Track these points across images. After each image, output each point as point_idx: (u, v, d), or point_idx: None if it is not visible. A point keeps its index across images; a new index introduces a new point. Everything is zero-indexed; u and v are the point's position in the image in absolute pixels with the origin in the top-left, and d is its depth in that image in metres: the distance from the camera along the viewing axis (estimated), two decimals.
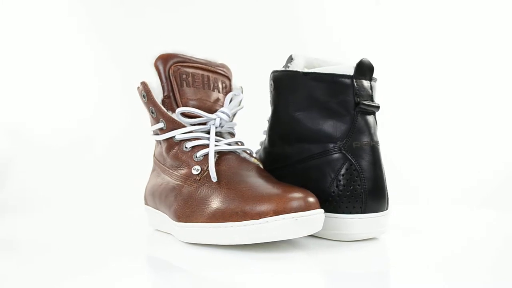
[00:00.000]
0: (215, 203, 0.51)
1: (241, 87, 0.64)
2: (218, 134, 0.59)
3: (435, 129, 1.04)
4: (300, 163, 0.57)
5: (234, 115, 0.62)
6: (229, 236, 0.50)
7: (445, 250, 0.52)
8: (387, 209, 0.55)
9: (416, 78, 1.07)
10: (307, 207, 0.49)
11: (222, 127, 0.58)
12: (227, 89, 0.62)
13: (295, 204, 0.48)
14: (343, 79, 0.55)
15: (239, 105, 0.62)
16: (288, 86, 0.58)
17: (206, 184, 0.54)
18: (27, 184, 0.92)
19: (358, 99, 0.55)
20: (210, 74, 0.60)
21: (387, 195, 0.55)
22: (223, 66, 0.63)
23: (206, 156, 0.55)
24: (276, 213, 0.48)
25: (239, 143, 0.59)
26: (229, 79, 0.63)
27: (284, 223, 0.48)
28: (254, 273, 0.45)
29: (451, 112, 1.05)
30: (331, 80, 0.55)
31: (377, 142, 0.55)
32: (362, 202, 0.54)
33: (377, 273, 0.45)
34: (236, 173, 0.54)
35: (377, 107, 0.56)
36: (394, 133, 0.99)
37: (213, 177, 0.53)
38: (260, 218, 0.48)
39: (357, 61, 0.55)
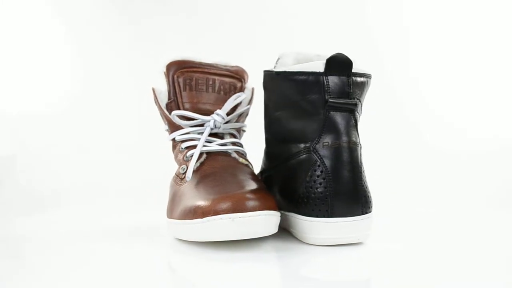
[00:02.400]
0: (184, 201, 0.54)
1: (253, 88, 0.65)
2: (220, 135, 0.61)
3: (430, 130, 1.03)
4: (282, 163, 0.57)
5: (241, 115, 0.64)
6: (186, 233, 0.53)
7: (423, 261, 0.49)
8: (363, 213, 0.52)
9: (414, 75, 1.07)
10: (248, 209, 0.49)
11: (217, 128, 0.60)
12: (237, 91, 0.63)
13: (235, 204, 0.49)
14: (311, 77, 0.53)
15: (247, 105, 0.64)
16: (269, 87, 0.58)
17: (186, 183, 0.56)
18: (30, 183, 0.93)
19: (328, 96, 0.52)
20: (216, 77, 0.62)
21: (364, 199, 0.52)
22: (236, 68, 0.64)
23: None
24: (216, 212, 0.49)
25: (237, 144, 0.61)
26: (241, 81, 0.64)
27: (221, 223, 0.49)
28: (203, 273, 0.46)
29: (446, 112, 1.05)
30: (300, 79, 0.53)
31: (350, 142, 0.52)
32: (328, 205, 0.51)
33: (334, 281, 0.44)
34: (213, 173, 0.55)
35: (352, 104, 0.53)
36: (388, 134, 1.00)
37: (188, 176, 0.56)
38: (204, 217, 0.50)
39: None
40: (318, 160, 0.52)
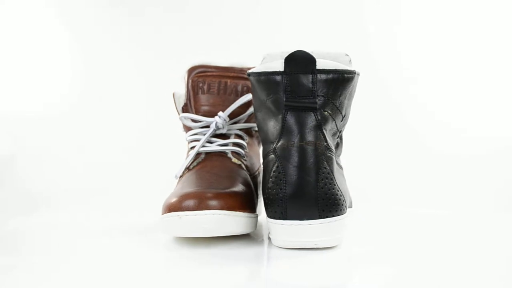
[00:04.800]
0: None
1: None
2: (227, 135, 0.63)
3: (428, 130, 1.03)
4: (262, 163, 0.56)
5: (251, 115, 0.65)
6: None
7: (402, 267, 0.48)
8: (321, 217, 0.49)
9: (413, 75, 1.06)
10: (197, 207, 0.51)
11: (220, 129, 0.62)
12: (251, 91, 0.64)
13: (186, 203, 0.51)
14: (272, 77, 0.52)
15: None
16: (252, 88, 0.57)
17: (179, 181, 0.60)
18: (31, 183, 0.92)
19: (286, 96, 0.51)
20: (229, 80, 0.65)
21: (323, 203, 0.49)
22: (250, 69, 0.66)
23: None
24: (170, 210, 0.52)
25: (237, 144, 0.63)
26: None
27: (172, 220, 0.52)
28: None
29: (445, 111, 1.04)
30: (263, 79, 0.53)
31: (308, 143, 0.50)
32: (283, 208, 0.50)
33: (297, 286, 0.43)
34: (197, 172, 0.58)
35: (312, 103, 0.51)
36: (386, 134, 1.00)
37: (176, 175, 0.60)
38: (164, 213, 0.53)
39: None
40: (277, 161, 0.51)
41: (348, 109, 0.57)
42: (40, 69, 1.08)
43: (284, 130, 0.51)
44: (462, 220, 0.72)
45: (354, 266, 0.49)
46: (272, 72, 0.52)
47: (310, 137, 0.51)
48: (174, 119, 0.68)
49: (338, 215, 0.50)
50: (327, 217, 0.50)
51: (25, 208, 0.81)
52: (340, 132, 0.56)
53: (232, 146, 0.62)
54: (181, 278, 0.45)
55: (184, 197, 0.52)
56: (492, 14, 1.04)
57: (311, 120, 0.51)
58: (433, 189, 0.88)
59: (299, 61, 0.51)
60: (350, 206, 0.62)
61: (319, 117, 0.51)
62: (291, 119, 0.51)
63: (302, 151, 0.50)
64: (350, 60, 0.58)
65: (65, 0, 1.11)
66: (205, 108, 0.64)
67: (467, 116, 1.03)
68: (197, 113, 0.64)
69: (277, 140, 0.52)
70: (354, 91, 0.56)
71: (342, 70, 0.52)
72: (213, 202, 0.51)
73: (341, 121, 0.55)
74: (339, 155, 0.58)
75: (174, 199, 0.52)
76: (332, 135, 0.54)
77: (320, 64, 0.51)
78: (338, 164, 0.56)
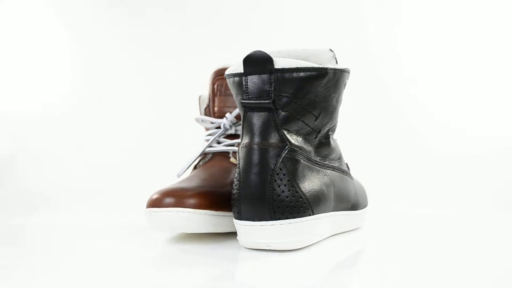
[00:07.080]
0: None
1: None
2: (237, 136, 0.64)
3: (427, 130, 1.03)
4: None
5: None
6: None
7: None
8: (272, 219, 0.48)
9: (413, 75, 1.06)
10: (167, 205, 0.52)
11: (228, 130, 0.63)
12: None
13: (158, 200, 0.53)
14: (235, 78, 0.52)
15: None
16: None
17: None
18: (30, 184, 0.93)
19: (245, 96, 0.51)
20: None
21: (276, 204, 0.48)
22: None
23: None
24: (148, 205, 0.54)
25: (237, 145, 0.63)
26: None
27: (146, 215, 0.55)
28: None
29: (444, 111, 1.04)
30: (231, 80, 0.53)
31: (262, 144, 0.50)
32: (239, 208, 0.50)
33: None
34: (197, 171, 0.60)
35: (267, 103, 0.50)
36: (386, 136, 1.00)
37: (177, 174, 0.62)
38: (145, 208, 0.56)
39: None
40: (238, 161, 0.51)
41: (330, 108, 0.54)
42: (40, 69, 1.08)
43: (244, 131, 0.52)
44: (462, 220, 0.72)
45: (354, 267, 0.49)
46: (234, 74, 0.52)
47: (266, 137, 0.50)
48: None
49: (294, 218, 0.49)
50: (279, 219, 0.49)
51: (25, 208, 0.81)
52: (319, 132, 0.54)
53: (237, 146, 0.62)
54: (174, 277, 0.45)
55: (160, 194, 0.54)
56: (492, 14, 1.04)
57: (267, 121, 0.50)
58: (433, 189, 0.88)
59: (256, 62, 0.50)
60: (356, 208, 0.61)
61: (277, 118, 0.50)
62: (249, 120, 0.51)
63: (256, 152, 0.50)
64: (333, 56, 0.56)
65: (65, 0, 1.11)
66: (222, 109, 0.65)
67: (467, 116, 1.03)
68: (214, 114, 0.65)
69: (241, 141, 0.52)
70: (336, 88, 0.54)
71: (305, 68, 0.50)
72: (182, 200, 0.53)
73: (315, 120, 0.53)
74: (325, 156, 0.56)
75: (154, 196, 0.54)
76: (304, 135, 0.53)
77: (279, 64, 0.50)
78: (320, 163, 0.54)
